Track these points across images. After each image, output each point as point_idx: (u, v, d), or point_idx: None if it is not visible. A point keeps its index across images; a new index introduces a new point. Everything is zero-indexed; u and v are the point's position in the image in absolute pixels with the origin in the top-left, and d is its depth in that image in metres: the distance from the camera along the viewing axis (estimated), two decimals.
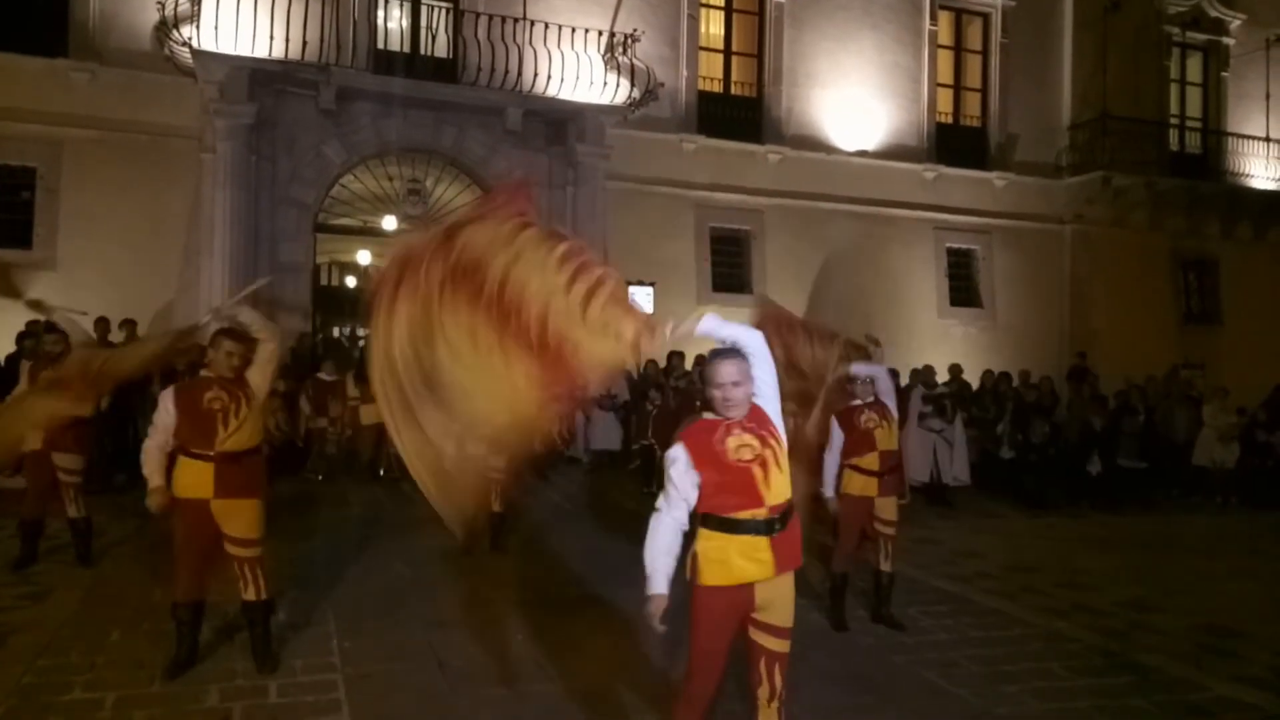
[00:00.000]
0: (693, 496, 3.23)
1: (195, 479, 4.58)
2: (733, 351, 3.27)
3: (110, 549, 7.04)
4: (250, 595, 4.68)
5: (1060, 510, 10.82)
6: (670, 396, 11.24)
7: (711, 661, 3.23)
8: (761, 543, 3.17)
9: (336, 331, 17.12)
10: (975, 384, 13.17)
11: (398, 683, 4.64)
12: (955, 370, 12.98)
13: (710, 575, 3.19)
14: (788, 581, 3.27)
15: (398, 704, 4.37)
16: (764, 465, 3.20)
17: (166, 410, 4.66)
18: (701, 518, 3.25)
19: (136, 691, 4.36)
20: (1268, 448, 12.28)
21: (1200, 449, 12.27)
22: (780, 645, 3.26)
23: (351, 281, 22.27)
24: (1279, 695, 4.89)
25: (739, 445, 3.22)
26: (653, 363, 12.80)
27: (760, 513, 3.17)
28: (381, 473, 10.81)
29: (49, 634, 5.12)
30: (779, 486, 3.21)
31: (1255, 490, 11.92)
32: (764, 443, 3.22)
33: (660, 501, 3.28)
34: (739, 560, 3.17)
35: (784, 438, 3.32)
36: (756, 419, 3.29)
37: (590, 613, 5.87)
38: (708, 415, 3.33)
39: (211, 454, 4.58)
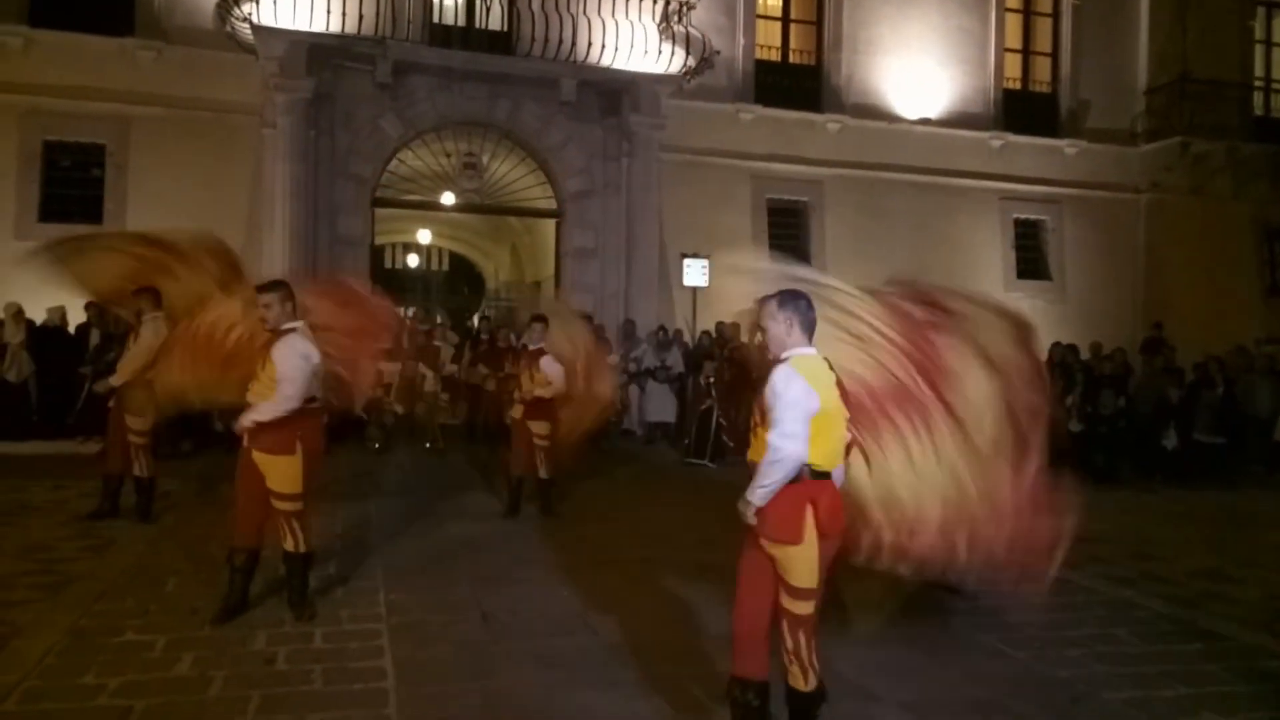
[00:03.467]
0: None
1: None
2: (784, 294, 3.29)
3: (172, 508, 7.21)
4: (290, 546, 4.75)
5: (1131, 485, 10.41)
6: (726, 368, 11.09)
7: (743, 594, 3.25)
8: None
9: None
10: (1043, 358, 12.73)
11: (441, 633, 4.63)
12: None
13: None
14: (803, 550, 3.20)
15: (439, 652, 4.36)
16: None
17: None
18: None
19: (187, 635, 4.44)
20: None
21: None
22: (797, 606, 3.20)
23: (413, 260, 22.55)
24: None
25: None
26: (707, 334, 12.69)
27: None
28: (429, 445, 10.92)
29: (107, 582, 5.25)
30: (756, 447, 3.23)
31: None
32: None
33: (787, 432, 3.11)
34: None
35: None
36: None
37: (635, 572, 5.81)
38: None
39: (243, 404, 4.68)
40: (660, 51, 13.37)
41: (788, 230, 14.93)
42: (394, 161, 13.30)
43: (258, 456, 4.61)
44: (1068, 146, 16.08)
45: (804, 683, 3.22)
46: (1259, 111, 16.96)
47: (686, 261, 13.52)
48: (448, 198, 13.94)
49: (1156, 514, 8.81)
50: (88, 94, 11.91)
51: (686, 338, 12.93)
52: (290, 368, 4.54)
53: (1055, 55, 16.31)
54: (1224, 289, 16.11)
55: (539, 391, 7.18)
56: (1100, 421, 10.96)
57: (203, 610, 4.72)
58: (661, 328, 12.77)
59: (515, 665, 4.23)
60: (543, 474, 7.41)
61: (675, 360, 12.26)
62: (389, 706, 3.73)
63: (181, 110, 12.24)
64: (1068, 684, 4.24)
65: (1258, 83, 17.05)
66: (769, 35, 15.01)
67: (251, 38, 11.91)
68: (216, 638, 4.42)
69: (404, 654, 4.29)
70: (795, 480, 3.14)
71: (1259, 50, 17.11)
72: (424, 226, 19.11)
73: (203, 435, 10.12)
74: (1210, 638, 4.95)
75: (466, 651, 4.39)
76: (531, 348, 7.29)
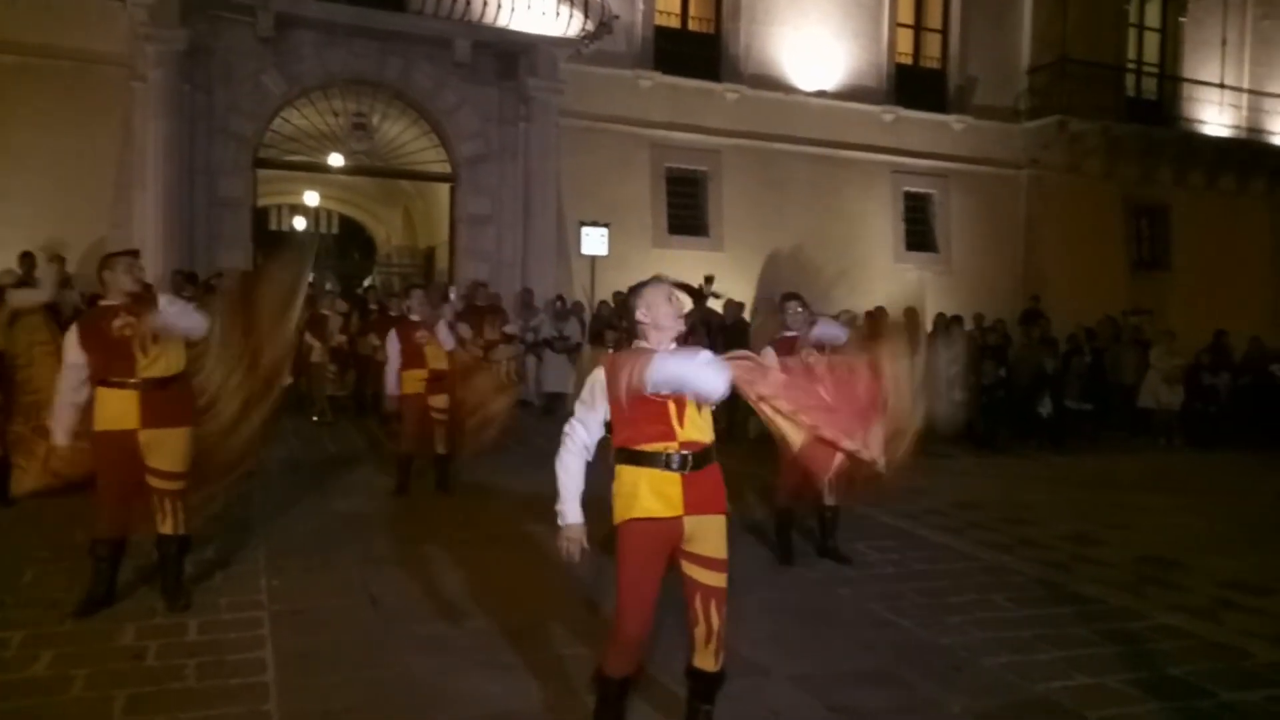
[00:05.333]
0: (601, 418, 3.20)
1: (119, 409, 4.34)
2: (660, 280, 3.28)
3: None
4: (167, 529, 4.48)
5: (1009, 451, 10.90)
6: (626, 339, 11.05)
7: (639, 601, 3.09)
8: (671, 479, 3.06)
9: None
10: (929, 327, 13.15)
11: (326, 619, 4.47)
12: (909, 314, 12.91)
13: (622, 509, 3.10)
14: (715, 518, 3.17)
15: (324, 640, 4.20)
16: (680, 404, 3.10)
17: (72, 349, 4.39)
18: (615, 454, 3.16)
19: (46, 630, 4.14)
20: (1211, 390, 12.47)
21: (1146, 391, 12.42)
22: (715, 579, 3.13)
23: (300, 223, 21.64)
24: (1217, 623, 4.92)
25: None
26: (605, 303, 12.61)
27: (671, 446, 3.07)
28: (315, 418, 10.59)
29: None
30: (694, 426, 3.10)
31: (1198, 431, 12.11)
32: None
33: (571, 424, 3.24)
34: (647, 494, 3.06)
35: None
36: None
37: (528, 549, 5.73)
38: (641, 344, 3.25)
39: (134, 381, 4.33)
40: (558, 14, 13.07)
41: (686, 200, 14.94)
42: (277, 120, 12.67)
43: (148, 434, 4.32)
44: (955, 122, 16.54)
45: (715, 663, 3.17)
46: (1131, 93, 17.81)
47: (585, 230, 13.36)
48: (336, 159, 13.39)
49: (1031, 479, 9.25)
50: None
51: (585, 307, 12.82)
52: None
53: (945, 32, 16.70)
54: (1095, 263, 16.98)
55: (437, 364, 7.03)
56: (981, 391, 11.41)
57: (63, 603, 4.42)
58: (560, 297, 12.62)
59: (404, 651, 4.10)
60: (440, 449, 7.25)
61: (573, 330, 12.15)
62: (269, 702, 3.56)
63: (38, 59, 11.33)
64: (950, 651, 4.39)
65: (1130, 65, 17.87)
66: (669, 1, 14.87)
67: None
68: (79, 632, 4.14)
69: (286, 643, 4.11)
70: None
71: (1133, 34, 17.92)
72: (311, 188, 18.34)
73: None
74: (1080, 601, 5.20)
75: (353, 638, 4.24)
76: (415, 318, 7.13)
